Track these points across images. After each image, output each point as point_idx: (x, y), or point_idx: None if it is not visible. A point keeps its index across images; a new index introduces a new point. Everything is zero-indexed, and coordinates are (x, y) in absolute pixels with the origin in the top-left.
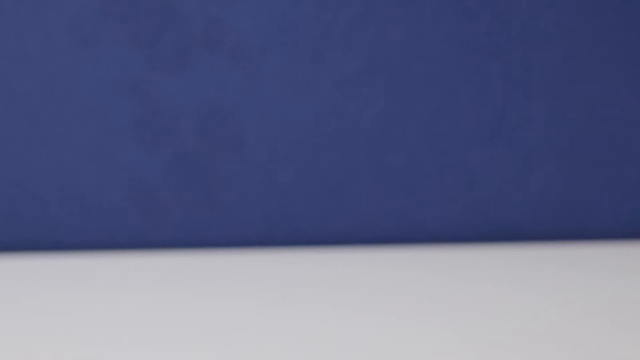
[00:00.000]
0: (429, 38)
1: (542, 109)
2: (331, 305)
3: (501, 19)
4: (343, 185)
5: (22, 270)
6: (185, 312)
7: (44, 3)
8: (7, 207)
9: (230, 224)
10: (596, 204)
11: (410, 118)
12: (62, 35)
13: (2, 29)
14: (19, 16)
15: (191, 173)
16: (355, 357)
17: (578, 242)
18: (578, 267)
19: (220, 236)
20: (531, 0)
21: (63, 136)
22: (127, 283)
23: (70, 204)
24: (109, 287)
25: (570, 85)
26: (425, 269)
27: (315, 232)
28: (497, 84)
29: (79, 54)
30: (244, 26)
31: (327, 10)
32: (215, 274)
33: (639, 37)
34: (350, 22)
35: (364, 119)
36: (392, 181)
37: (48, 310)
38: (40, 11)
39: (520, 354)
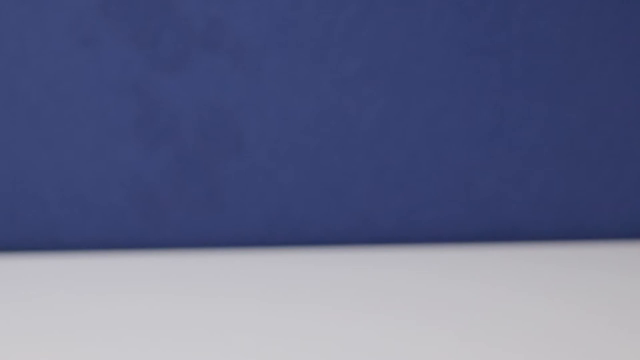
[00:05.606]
0: (429, 38)
1: (542, 109)
2: (331, 305)
3: (501, 19)
4: (343, 185)
5: (22, 270)
6: (185, 312)
7: (44, 3)
8: (7, 207)
9: (230, 224)
10: (596, 204)
11: (410, 118)
12: (62, 35)
13: (2, 29)
14: (19, 16)
15: (191, 173)
16: (355, 357)
17: (578, 242)
18: (578, 267)
19: (220, 236)
20: (531, 0)
21: (63, 136)
22: (127, 283)
23: (70, 204)
24: (109, 287)
25: (570, 85)
26: (425, 269)
27: (315, 232)
28: (497, 84)
29: (79, 54)
30: (244, 26)
31: (327, 10)
32: (215, 274)
33: (639, 37)
34: (350, 22)
35: (364, 119)
36: (392, 181)
37: (48, 310)
38: (40, 11)
39: (520, 354)
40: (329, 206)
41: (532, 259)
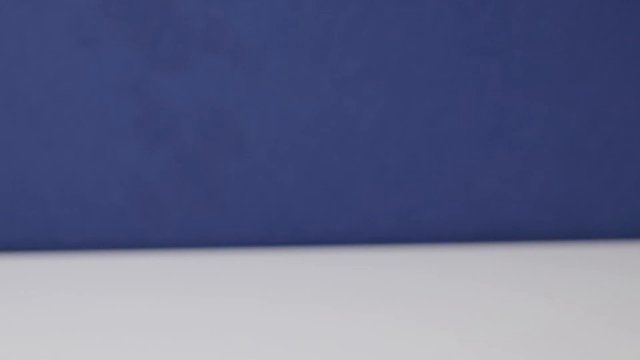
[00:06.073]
0: (429, 38)
1: (542, 109)
2: (331, 305)
3: (501, 19)
4: (343, 185)
5: (22, 270)
6: (185, 312)
7: (44, 3)
8: (7, 207)
9: (230, 224)
10: (596, 204)
11: (410, 118)
12: (62, 35)
13: (2, 29)
14: (19, 16)
15: (191, 173)
16: (355, 357)
17: (578, 242)
18: (578, 267)
19: (220, 236)
20: (531, 0)
21: (63, 136)
22: (127, 283)
23: (70, 204)
24: (109, 287)
25: (570, 85)
26: (425, 269)
27: (315, 232)
28: (497, 84)
29: (79, 54)
30: (244, 26)
31: (327, 10)
32: (215, 274)
33: (639, 37)
34: (350, 22)
35: (364, 119)
36: (392, 181)
37: (48, 310)
38: (40, 11)
39: (520, 354)
40: (329, 206)
41: (532, 259)
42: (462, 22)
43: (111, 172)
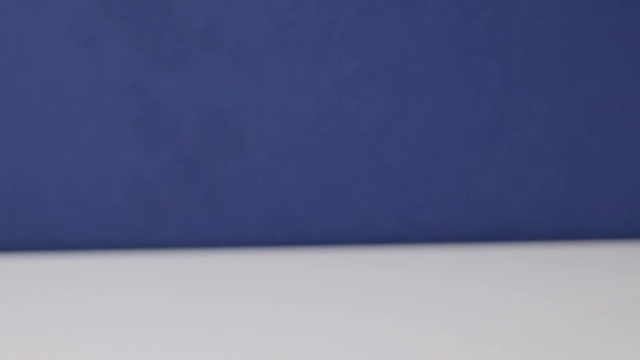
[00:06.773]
0: (429, 38)
1: (542, 109)
2: (331, 305)
3: (501, 19)
4: (343, 185)
5: (22, 270)
6: (185, 312)
7: (44, 3)
8: (7, 207)
9: (230, 224)
10: (596, 204)
11: (410, 118)
12: (62, 35)
13: (2, 29)
14: (19, 16)
15: (191, 173)
16: (355, 357)
17: (578, 242)
18: (578, 267)
19: (220, 236)
20: (531, 0)
21: (63, 136)
22: (127, 283)
23: (70, 204)
24: (109, 287)
25: (570, 85)
26: (425, 269)
27: (315, 232)
28: (497, 84)
29: (79, 54)
30: (244, 26)
31: (327, 10)
32: (215, 274)
33: (639, 37)
34: (350, 22)
35: (364, 119)
36: (392, 181)
37: (48, 310)
38: (40, 11)
39: (520, 354)
40: (329, 206)
41: (532, 259)
42: (462, 22)
43: (111, 172)
